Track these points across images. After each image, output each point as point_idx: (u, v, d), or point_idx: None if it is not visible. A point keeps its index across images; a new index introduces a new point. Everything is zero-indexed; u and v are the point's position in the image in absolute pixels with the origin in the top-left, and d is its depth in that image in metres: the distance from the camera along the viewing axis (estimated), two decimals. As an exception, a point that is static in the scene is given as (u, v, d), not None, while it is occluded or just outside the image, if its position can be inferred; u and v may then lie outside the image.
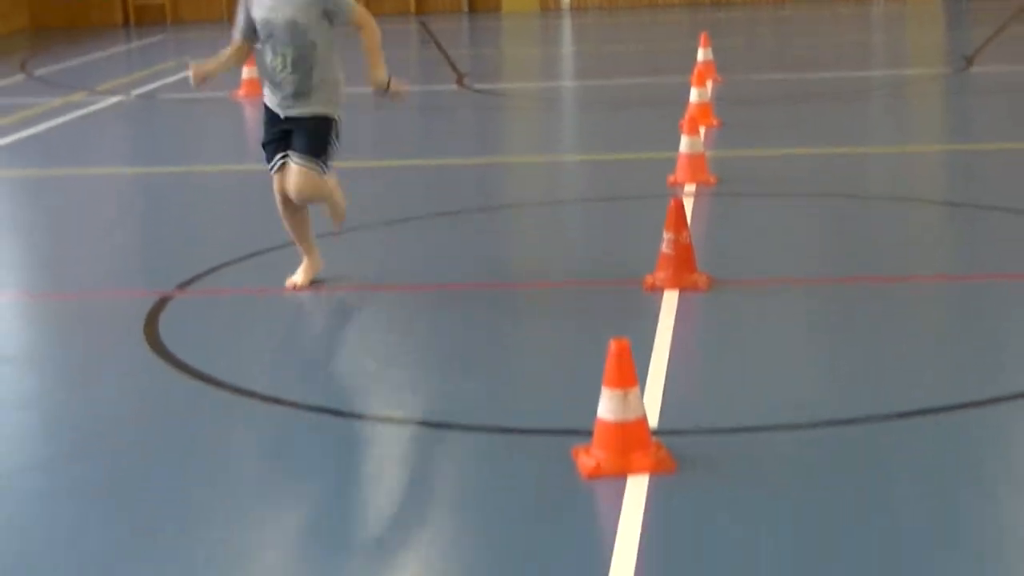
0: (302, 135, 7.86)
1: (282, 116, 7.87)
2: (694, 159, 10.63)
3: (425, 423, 6.19)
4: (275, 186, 8.03)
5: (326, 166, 7.93)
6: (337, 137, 8.02)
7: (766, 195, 10.50)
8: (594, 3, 25.89)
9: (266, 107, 8.01)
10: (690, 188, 10.42)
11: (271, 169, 8.01)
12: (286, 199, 8.00)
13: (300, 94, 7.82)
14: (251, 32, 7.92)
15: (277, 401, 6.45)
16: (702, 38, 15.99)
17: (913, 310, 7.76)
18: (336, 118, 7.98)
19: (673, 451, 5.51)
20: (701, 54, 15.66)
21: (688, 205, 9.79)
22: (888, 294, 7.98)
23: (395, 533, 5.14)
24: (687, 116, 11.10)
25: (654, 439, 5.55)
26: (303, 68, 7.80)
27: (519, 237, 10.03)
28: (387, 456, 5.89)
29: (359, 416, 6.35)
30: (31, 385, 7.05)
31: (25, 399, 6.81)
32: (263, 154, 8.06)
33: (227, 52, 8.18)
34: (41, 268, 9.54)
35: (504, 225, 10.22)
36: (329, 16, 7.91)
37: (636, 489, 5.26)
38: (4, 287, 9.01)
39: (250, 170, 12.53)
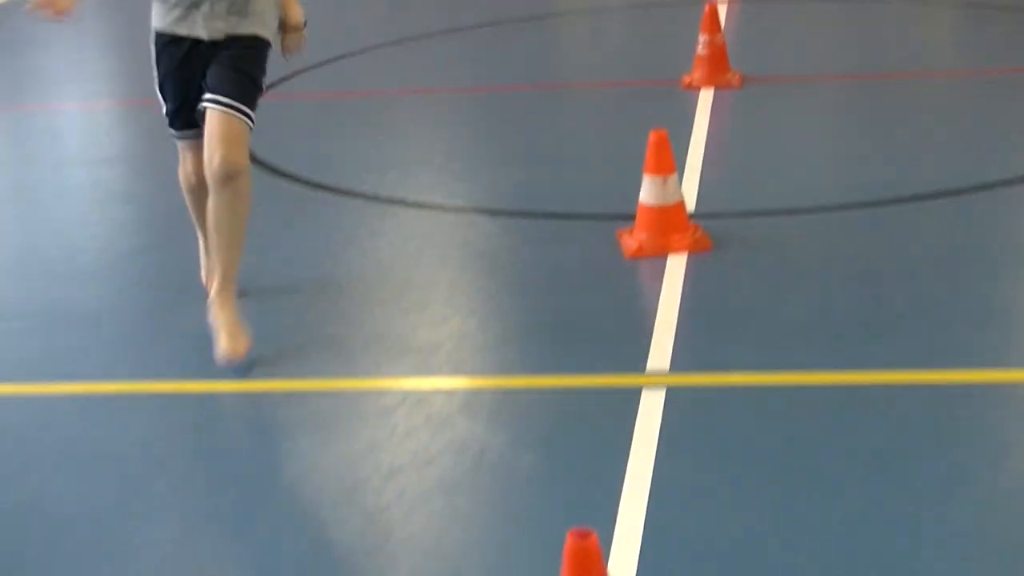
0: (233, 69, 4.72)
1: (206, 38, 4.73)
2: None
3: (484, 210, 6.24)
4: (189, 165, 5.00)
5: (253, 120, 4.75)
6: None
7: (792, 0, 10.38)
8: None
9: (164, 34, 4.81)
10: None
11: (182, 136, 4.94)
12: (203, 179, 4.85)
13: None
14: None
15: (352, 194, 6.52)
16: None
17: (932, 103, 7.73)
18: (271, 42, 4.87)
19: (709, 232, 5.54)
20: None
21: (722, 11, 9.68)
22: (908, 88, 7.93)
23: (453, 303, 5.21)
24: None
25: (692, 221, 5.58)
26: None
27: (565, 43, 9.97)
28: (450, 239, 5.95)
29: (425, 206, 6.40)
30: (127, 183, 7.14)
31: (123, 194, 6.91)
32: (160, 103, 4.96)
33: None
34: (128, 77, 9.57)
35: (549, 33, 10.17)
36: None
37: (675, 266, 5.29)
38: (99, 95, 9.07)
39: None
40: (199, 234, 5.20)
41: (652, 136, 5.40)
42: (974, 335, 4.59)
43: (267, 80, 4.83)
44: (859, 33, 9.41)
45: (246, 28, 4.72)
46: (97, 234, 6.30)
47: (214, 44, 4.70)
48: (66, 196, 6.96)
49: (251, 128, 4.70)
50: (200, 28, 4.70)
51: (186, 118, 4.83)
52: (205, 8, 4.68)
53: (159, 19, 4.77)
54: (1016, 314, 4.86)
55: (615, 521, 3.47)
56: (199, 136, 4.77)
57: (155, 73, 4.86)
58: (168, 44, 4.78)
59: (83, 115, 8.67)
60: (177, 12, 4.72)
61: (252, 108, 4.69)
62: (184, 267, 5.48)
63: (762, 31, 9.55)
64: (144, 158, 7.60)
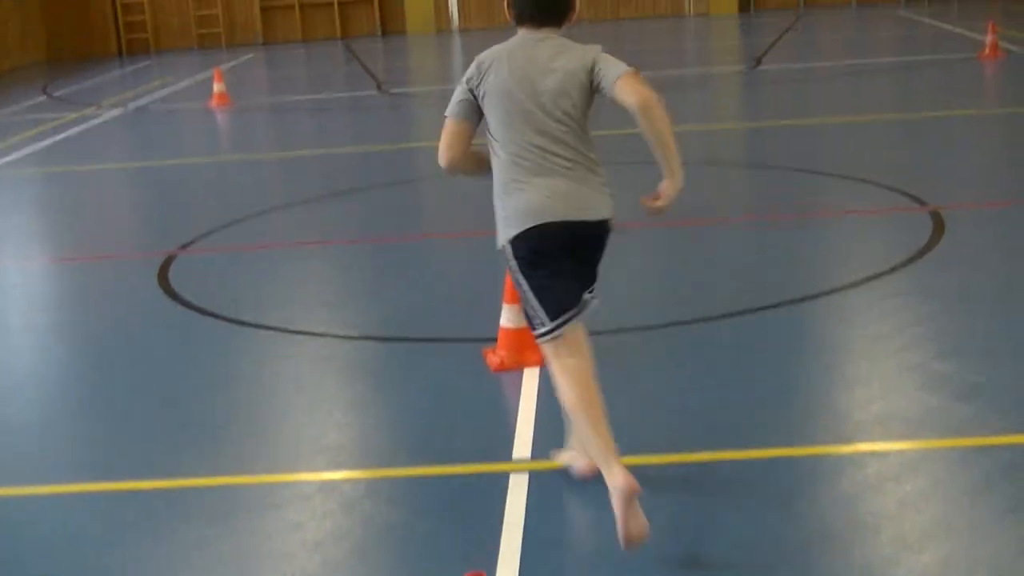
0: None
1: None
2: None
3: (373, 337, 6.39)
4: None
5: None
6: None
7: (610, 163, 10.70)
8: (477, 24, 25.96)
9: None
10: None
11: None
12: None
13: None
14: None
15: (264, 327, 6.63)
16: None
17: (735, 241, 8.03)
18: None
19: (555, 349, 5.75)
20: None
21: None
22: (713, 231, 8.24)
23: (353, 411, 5.36)
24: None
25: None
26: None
27: (432, 200, 10.20)
28: (347, 362, 6.09)
29: (325, 335, 6.53)
30: (66, 320, 7.16)
31: (59, 332, 6.94)
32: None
33: None
34: (69, 239, 9.58)
35: (419, 193, 10.39)
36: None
37: (531, 377, 5.52)
38: (40, 255, 9.07)
39: (223, 160, 12.62)
40: None
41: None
42: (802, 416, 4.85)
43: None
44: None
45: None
46: (53, 366, 6.30)
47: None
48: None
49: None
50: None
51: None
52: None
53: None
54: (833, 399, 5.14)
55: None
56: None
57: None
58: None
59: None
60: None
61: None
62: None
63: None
64: (79, 301, 7.63)
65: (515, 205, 4.06)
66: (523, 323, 5.57)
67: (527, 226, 4.04)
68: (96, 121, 15.81)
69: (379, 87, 17.47)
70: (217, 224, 9.20)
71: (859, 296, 6.55)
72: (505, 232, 4.12)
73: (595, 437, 3.91)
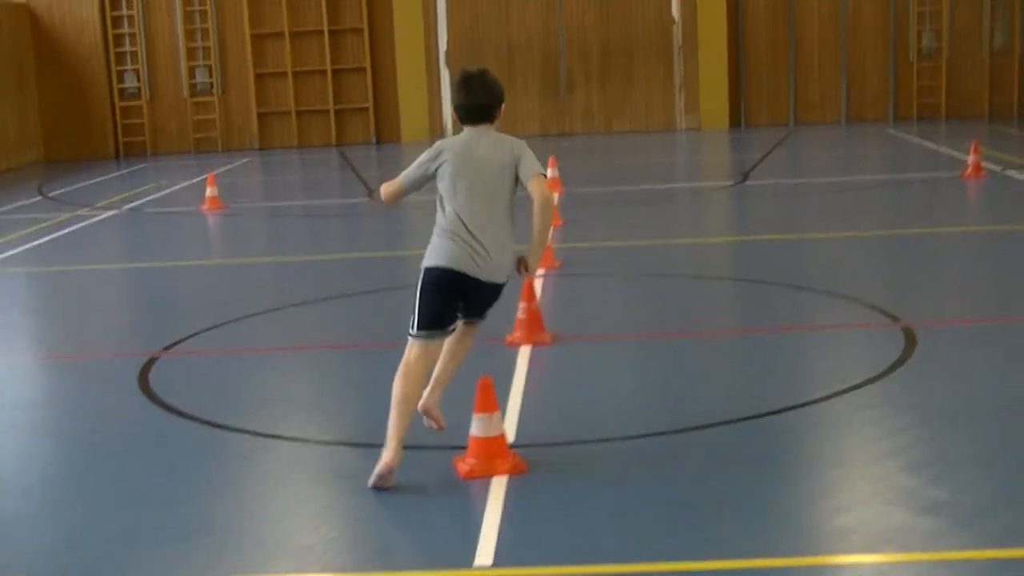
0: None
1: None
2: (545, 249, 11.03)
3: (348, 442, 6.49)
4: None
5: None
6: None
7: (597, 275, 10.92)
8: (471, 135, 26.37)
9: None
10: (540, 271, 10.82)
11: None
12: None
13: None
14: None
15: (239, 430, 6.72)
16: (550, 160, 16.48)
17: (713, 354, 8.18)
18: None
19: (526, 458, 5.86)
20: (549, 172, 16.11)
21: (538, 283, 10.19)
22: (692, 344, 8.40)
23: (324, 516, 5.43)
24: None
25: (511, 450, 5.90)
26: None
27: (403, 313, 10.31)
28: (321, 467, 6.18)
29: (299, 439, 6.62)
30: (47, 418, 7.24)
31: (36, 430, 7.01)
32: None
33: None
34: (56, 337, 9.69)
35: (401, 300, 10.49)
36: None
37: (499, 484, 5.60)
38: (25, 353, 9.18)
39: (212, 264, 12.77)
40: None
41: (479, 383, 5.75)
42: (750, 529, 4.93)
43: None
44: (648, 301, 9.92)
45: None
46: None
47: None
48: None
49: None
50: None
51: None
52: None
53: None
54: (798, 511, 5.22)
55: None
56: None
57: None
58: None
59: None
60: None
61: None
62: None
63: (572, 299, 10.03)
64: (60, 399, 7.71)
65: (440, 246, 5.76)
66: (493, 432, 5.70)
67: (439, 264, 5.73)
68: (89, 222, 16.01)
69: (370, 195, 17.71)
70: (202, 326, 9.32)
71: (828, 410, 6.66)
72: (427, 259, 5.78)
73: (396, 420, 5.66)
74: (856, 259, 11.29)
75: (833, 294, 9.55)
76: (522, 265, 5.83)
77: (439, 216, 5.81)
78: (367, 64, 26.66)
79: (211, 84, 27.02)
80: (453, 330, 5.88)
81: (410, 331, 5.79)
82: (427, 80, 26.45)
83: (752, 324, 9.11)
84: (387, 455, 5.63)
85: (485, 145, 5.79)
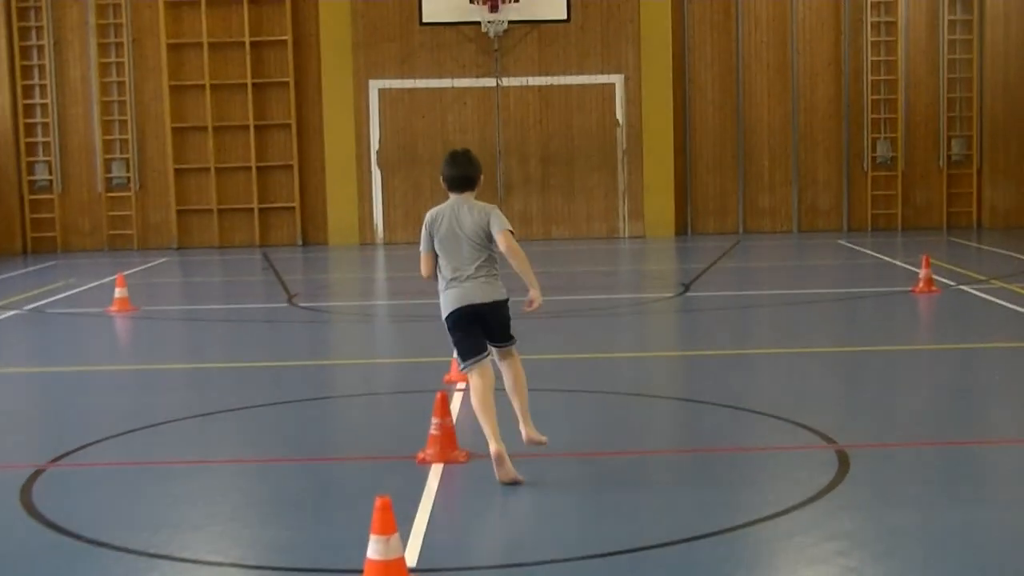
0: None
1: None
2: (466, 362, 11.11)
3: (239, 565, 6.45)
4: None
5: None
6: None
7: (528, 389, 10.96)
8: (403, 238, 26.52)
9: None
10: (460, 385, 10.86)
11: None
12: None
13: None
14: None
15: (124, 550, 6.67)
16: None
17: (640, 475, 8.20)
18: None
19: (427, 583, 5.86)
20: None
21: (457, 397, 10.23)
22: (618, 463, 8.44)
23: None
24: (462, 328, 11.53)
25: (412, 574, 5.89)
26: None
27: (327, 423, 10.33)
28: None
29: (180, 559, 6.58)
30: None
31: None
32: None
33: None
34: None
35: (317, 413, 10.52)
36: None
37: (396, 611, 5.59)
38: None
39: (116, 369, 12.72)
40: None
41: (377, 502, 5.75)
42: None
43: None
44: (576, 418, 9.96)
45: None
46: None
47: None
48: None
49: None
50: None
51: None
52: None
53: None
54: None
55: None
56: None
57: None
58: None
59: None
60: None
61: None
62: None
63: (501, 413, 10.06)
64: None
65: (448, 296, 7.97)
66: (392, 555, 5.70)
67: (451, 309, 7.94)
68: (-14, 323, 15.90)
69: (290, 300, 17.74)
70: (98, 436, 9.26)
71: (755, 536, 6.72)
72: (443, 310, 8.01)
73: (485, 423, 7.82)
74: (798, 377, 11.44)
75: (770, 415, 9.66)
76: (528, 302, 8.08)
77: (440, 275, 8.04)
78: (294, 161, 26.87)
79: (128, 179, 27.10)
80: (487, 354, 8.03)
81: (461, 367, 8.06)
82: (357, 180, 26.68)
83: (683, 445, 9.18)
84: (492, 446, 7.77)
85: (465, 211, 7.99)
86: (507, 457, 7.71)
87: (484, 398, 7.92)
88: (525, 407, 8.20)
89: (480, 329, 7.95)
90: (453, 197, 8.07)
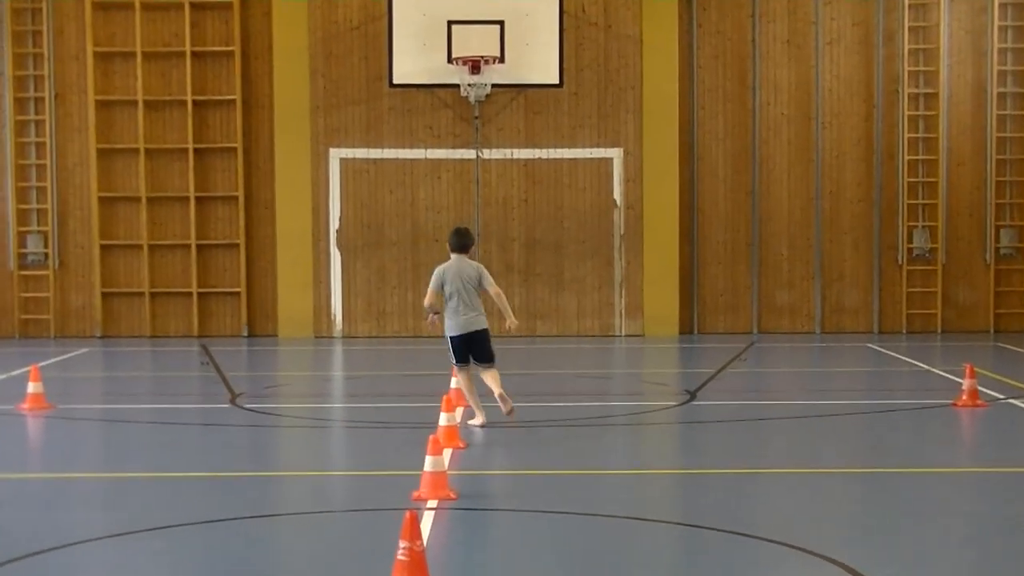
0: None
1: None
2: (436, 477, 11.16)
3: None
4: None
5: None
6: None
7: (503, 510, 11.00)
8: (364, 331, 26.58)
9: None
10: (432, 503, 10.89)
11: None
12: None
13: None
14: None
15: None
16: (453, 370, 16.65)
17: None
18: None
19: None
20: (453, 383, 16.29)
21: (428, 517, 10.24)
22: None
23: None
24: (432, 438, 11.59)
25: None
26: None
27: (272, 545, 10.30)
28: None
29: None
30: None
31: None
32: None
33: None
34: None
35: (260, 534, 10.50)
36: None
37: None
38: None
39: (24, 477, 12.69)
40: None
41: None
42: None
43: None
44: (561, 547, 9.97)
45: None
46: None
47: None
48: None
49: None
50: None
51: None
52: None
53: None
54: None
55: None
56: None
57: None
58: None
59: None
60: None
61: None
62: None
63: (467, 539, 10.07)
64: None
65: (454, 323, 15.02)
66: None
67: (458, 333, 15.03)
68: None
69: (232, 400, 17.75)
70: (9, 556, 9.23)
71: None
72: (450, 331, 15.07)
73: (471, 400, 15.15)
74: (820, 502, 11.47)
75: (788, 544, 9.69)
76: (508, 326, 15.23)
77: (448, 306, 14.95)
78: (240, 239, 26.98)
79: (46, 255, 27.18)
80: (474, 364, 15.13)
81: (453, 363, 15.21)
82: (313, 263, 26.77)
83: (685, 578, 9.19)
84: (479, 418, 14.97)
85: (464, 265, 14.96)
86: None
87: (468, 385, 15.08)
88: (499, 382, 15.02)
89: (469, 348, 15.03)
90: (455, 257, 15.04)
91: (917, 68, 27.18)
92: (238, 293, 27.10)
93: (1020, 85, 27.37)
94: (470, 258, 15.11)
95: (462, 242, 15.08)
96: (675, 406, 17.20)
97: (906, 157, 27.19)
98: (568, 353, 24.20)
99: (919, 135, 27.29)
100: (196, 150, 26.87)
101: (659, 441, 15.38)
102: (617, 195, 26.85)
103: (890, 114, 27.31)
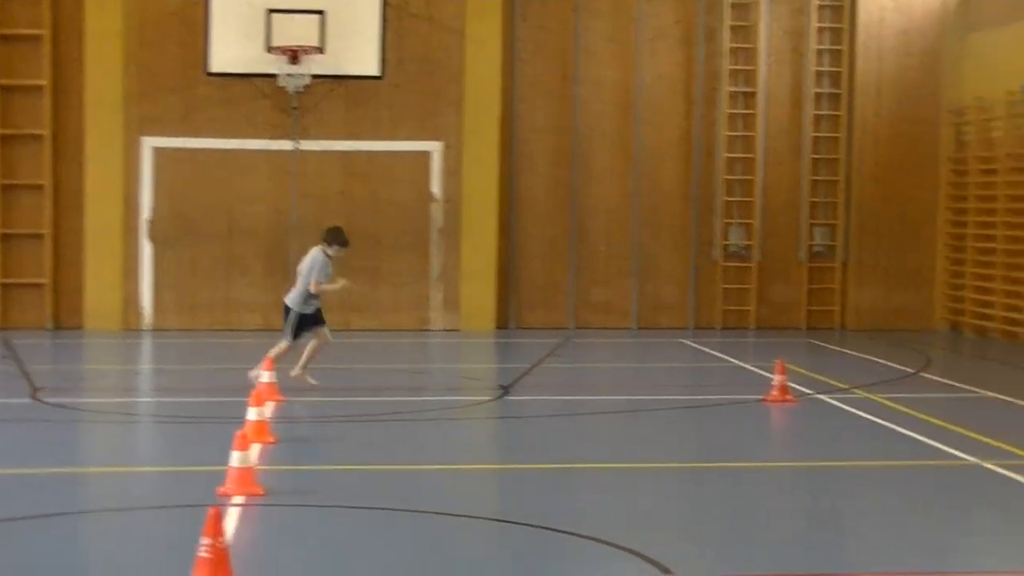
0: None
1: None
2: (243, 473, 11.10)
3: None
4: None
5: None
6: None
7: (311, 507, 10.97)
8: (177, 324, 26.27)
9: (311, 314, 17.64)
10: (239, 499, 10.83)
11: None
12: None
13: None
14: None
15: None
16: (266, 362, 16.58)
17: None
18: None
19: None
20: (265, 376, 16.22)
21: (235, 514, 10.18)
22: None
23: None
24: (240, 433, 11.52)
25: None
26: None
27: (74, 544, 10.17)
28: None
29: None
30: None
31: None
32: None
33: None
34: None
35: (62, 533, 10.35)
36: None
37: None
38: None
39: None
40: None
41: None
42: None
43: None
44: (367, 541, 9.98)
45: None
46: None
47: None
48: None
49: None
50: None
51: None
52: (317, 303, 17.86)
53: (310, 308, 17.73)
54: None
55: None
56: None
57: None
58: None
59: None
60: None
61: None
62: None
63: (272, 536, 10.03)
64: None
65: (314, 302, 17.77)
66: None
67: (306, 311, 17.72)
68: None
69: (34, 394, 17.44)
70: None
71: None
72: (302, 309, 17.67)
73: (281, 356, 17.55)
74: (631, 497, 11.65)
75: (599, 540, 9.82)
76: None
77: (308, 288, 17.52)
78: (47, 229, 26.42)
79: None
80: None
81: (287, 340, 17.49)
82: (123, 254, 26.35)
83: (498, 574, 9.25)
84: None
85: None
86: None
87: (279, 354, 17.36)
88: (308, 360, 17.55)
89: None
90: (326, 247, 17.89)
91: (737, 67, 27.64)
92: (43, 285, 26.50)
93: (836, 86, 27.97)
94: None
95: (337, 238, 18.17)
96: (490, 401, 17.30)
97: (724, 155, 27.62)
98: (384, 347, 24.20)
99: (738, 133, 27.76)
100: (1, 136, 26.29)
101: (473, 437, 15.46)
102: (436, 188, 26.87)
103: (710, 112, 27.74)
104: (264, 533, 10.26)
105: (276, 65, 25.48)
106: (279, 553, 9.58)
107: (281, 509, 10.85)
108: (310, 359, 17.82)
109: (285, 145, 26.45)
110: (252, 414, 13.46)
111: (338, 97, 26.58)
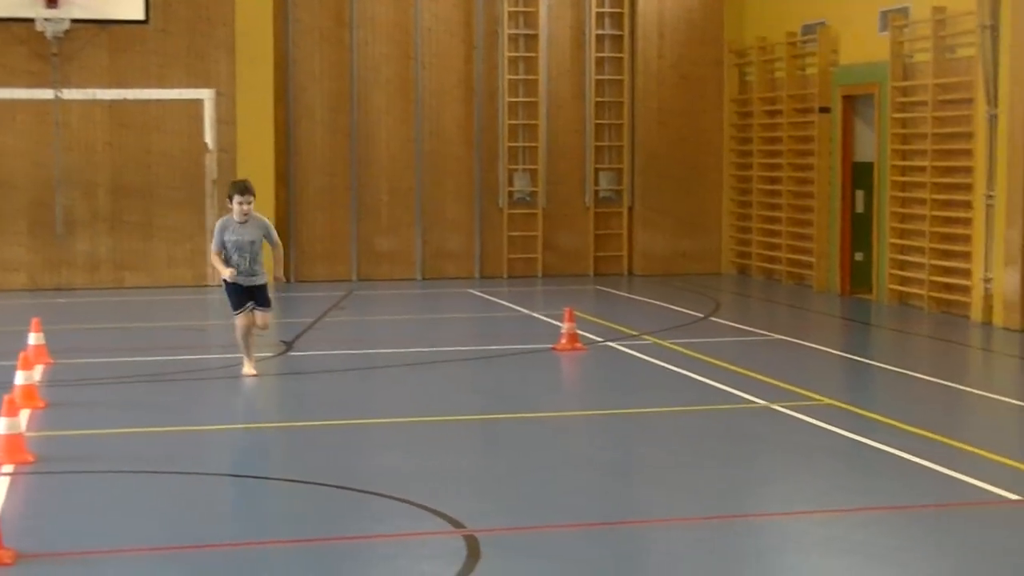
0: (262, 295, 15.35)
1: (245, 285, 15.17)
2: (12, 439, 10.82)
3: None
4: (244, 321, 15.25)
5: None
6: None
7: (86, 472, 10.75)
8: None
9: (231, 283, 15.13)
10: (8, 468, 10.55)
11: (240, 312, 15.23)
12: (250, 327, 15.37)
13: (253, 273, 15.21)
14: (222, 247, 15.11)
15: None
16: (34, 323, 16.18)
17: (223, 572, 8.18)
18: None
19: None
20: (32, 338, 15.82)
21: (3, 483, 9.92)
22: (198, 558, 8.37)
23: None
24: (7, 398, 11.22)
25: None
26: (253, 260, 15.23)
27: None
28: None
29: None
30: None
31: None
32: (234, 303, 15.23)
33: (218, 259, 15.17)
34: None
35: None
36: (267, 237, 15.37)
37: None
38: None
39: None
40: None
41: None
42: None
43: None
44: (151, 506, 9.84)
45: (259, 280, 15.37)
46: None
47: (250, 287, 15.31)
48: None
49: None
50: (241, 280, 15.19)
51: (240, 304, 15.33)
52: (242, 276, 15.16)
53: (230, 278, 15.11)
54: None
55: None
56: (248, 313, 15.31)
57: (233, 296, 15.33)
58: (233, 285, 15.25)
59: None
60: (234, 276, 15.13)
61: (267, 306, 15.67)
62: None
63: (45, 505, 9.82)
64: None
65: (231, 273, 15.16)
66: None
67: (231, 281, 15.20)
68: None
69: None
70: None
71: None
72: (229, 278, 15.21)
73: (242, 348, 15.53)
74: (421, 451, 11.67)
75: (390, 496, 9.82)
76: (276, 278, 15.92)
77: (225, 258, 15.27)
78: None
79: None
80: (252, 309, 15.25)
81: (234, 312, 15.32)
82: None
83: (288, 534, 9.18)
84: (245, 368, 15.55)
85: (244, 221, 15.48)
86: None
87: (244, 332, 15.32)
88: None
89: (249, 297, 15.26)
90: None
91: (517, 9, 27.65)
92: None
93: (617, 28, 28.19)
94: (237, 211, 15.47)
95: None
96: (272, 357, 17.14)
97: (507, 99, 27.67)
98: (159, 305, 23.80)
99: (519, 77, 27.83)
100: None
101: (258, 394, 15.30)
102: (209, 138, 26.43)
103: (491, 56, 27.74)
104: (34, 502, 10.01)
105: (32, 9, 24.82)
106: (51, 521, 9.36)
107: (52, 476, 10.60)
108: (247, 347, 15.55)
109: (46, 94, 25.72)
110: (20, 378, 13.13)
111: (101, 43, 25.97)
